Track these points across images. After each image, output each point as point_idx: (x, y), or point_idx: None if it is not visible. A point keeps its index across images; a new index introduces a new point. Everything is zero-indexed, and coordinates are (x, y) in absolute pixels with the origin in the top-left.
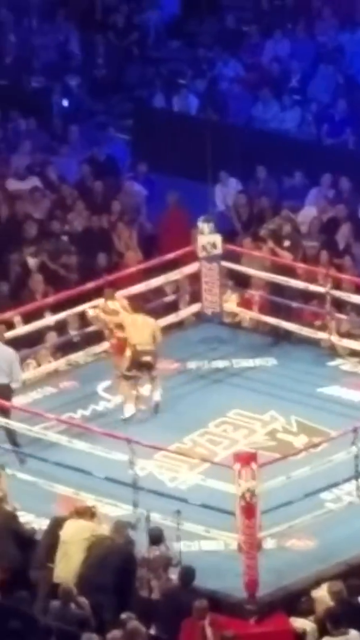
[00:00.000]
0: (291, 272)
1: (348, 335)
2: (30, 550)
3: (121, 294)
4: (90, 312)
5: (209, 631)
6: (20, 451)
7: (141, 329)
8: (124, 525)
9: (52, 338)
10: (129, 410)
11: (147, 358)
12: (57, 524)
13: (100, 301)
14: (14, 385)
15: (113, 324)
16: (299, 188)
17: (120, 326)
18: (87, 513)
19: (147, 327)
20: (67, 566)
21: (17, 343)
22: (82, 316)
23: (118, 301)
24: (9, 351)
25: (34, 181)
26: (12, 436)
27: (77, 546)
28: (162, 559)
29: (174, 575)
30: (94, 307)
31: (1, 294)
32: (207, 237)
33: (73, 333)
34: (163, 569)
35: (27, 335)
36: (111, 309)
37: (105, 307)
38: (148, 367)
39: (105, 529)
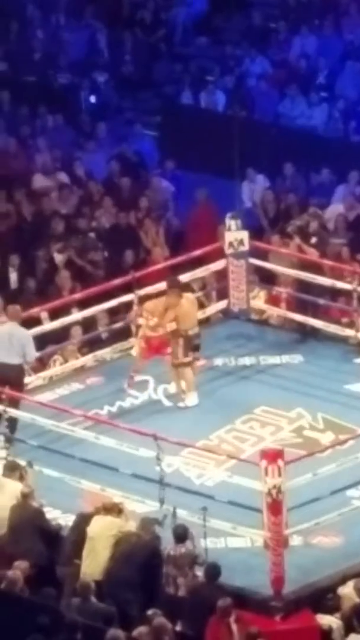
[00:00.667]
0: (318, 269)
1: None
2: (56, 547)
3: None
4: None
5: (235, 628)
6: (16, 438)
7: (189, 312)
8: (151, 521)
9: (78, 334)
10: (193, 399)
11: (198, 341)
12: (83, 520)
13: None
14: (26, 366)
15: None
16: (326, 185)
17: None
18: (114, 509)
19: (193, 307)
20: (93, 562)
21: (44, 339)
22: (110, 312)
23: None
24: (23, 332)
25: (62, 177)
26: (13, 424)
27: (104, 542)
28: (187, 556)
29: (199, 572)
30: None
31: (28, 291)
32: (234, 234)
33: (101, 329)
34: (189, 566)
35: (54, 331)
36: (159, 311)
37: (147, 318)
38: (198, 349)
39: (132, 526)
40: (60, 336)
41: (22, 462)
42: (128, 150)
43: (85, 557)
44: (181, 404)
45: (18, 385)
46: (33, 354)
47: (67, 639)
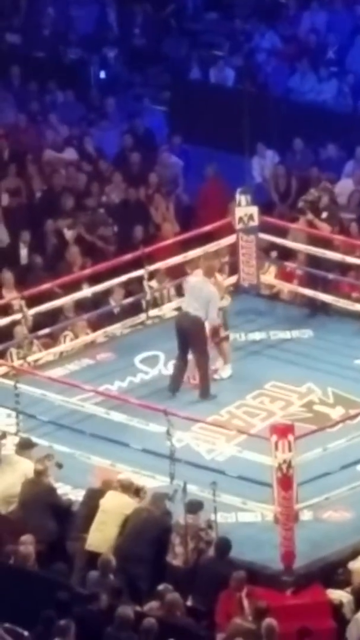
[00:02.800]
0: (328, 244)
1: None
2: (67, 522)
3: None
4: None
5: (245, 602)
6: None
7: (224, 288)
8: (162, 497)
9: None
10: (228, 371)
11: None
12: (93, 495)
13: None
14: (207, 325)
15: None
16: (335, 160)
17: None
18: (131, 489)
19: (224, 283)
20: (101, 535)
21: (54, 315)
22: (122, 287)
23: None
24: (211, 289)
25: (71, 153)
26: None
27: (117, 519)
28: (193, 527)
29: (202, 544)
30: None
31: (38, 266)
32: (244, 209)
33: (113, 304)
34: (191, 537)
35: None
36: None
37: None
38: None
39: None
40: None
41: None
42: (138, 126)
43: (93, 529)
44: (216, 376)
45: (196, 337)
46: (213, 315)
47: (83, 612)
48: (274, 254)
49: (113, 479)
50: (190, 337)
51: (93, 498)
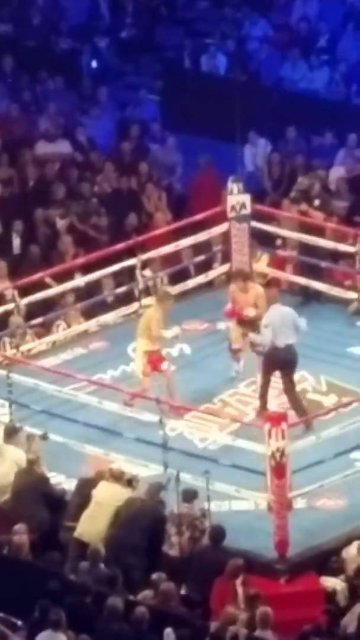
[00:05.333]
0: (321, 232)
1: None
2: (60, 512)
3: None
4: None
5: (240, 591)
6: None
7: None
8: (156, 487)
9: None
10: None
11: None
12: (86, 484)
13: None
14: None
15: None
16: (327, 148)
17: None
18: (122, 478)
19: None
20: (92, 526)
21: (46, 304)
22: (114, 277)
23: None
24: (288, 309)
25: (63, 143)
26: None
27: (108, 510)
28: (188, 516)
29: (197, 533)
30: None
31: (32, 256)
32: (237, 197)
33: (106, 293)
34: (187, 526)
35: (57, 296)
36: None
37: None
38: None
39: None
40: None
41: (33, 430)
42: (130, 115)
43: (84, 519)
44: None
45: (296, 366)
46: (303, 323)
47: (76, 602)
48: (279, 241)
49: (106, 469)
50: (294, 366)
51: (85, 487)
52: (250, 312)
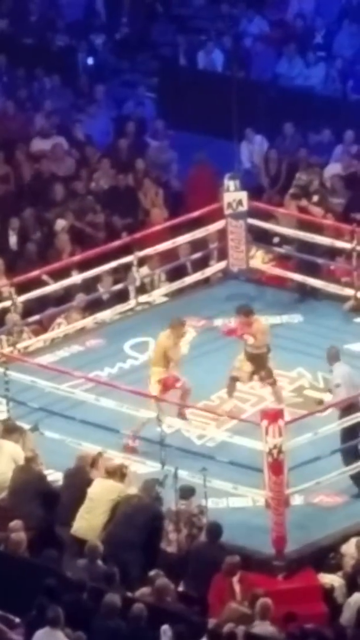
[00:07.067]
0: (318, 229)
1: None
2: (56, 509)
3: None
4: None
5: (237, 588)
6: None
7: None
8: (153, 483)
9: (79, 296)
10: None
11: None
12: (69, 475)
13: None
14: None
15: None
16: (324, 144)
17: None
18: (116, 473)
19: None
20: (88, 523)
21: (45, 302)
22: (112, 274)
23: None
24: (349, 368)
25: (60, 140)
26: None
27: (104, 506)
28: (186, 513)
29: (195, 530)
30: None
31: (28, 253)
32: (233, 195)
33: (102, 290)
34: (184, 523)
35: (54, 294)
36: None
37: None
38: None
39: (133, 491)
40: (60, 299)
41: (27, 426)
42: (126, 112)
43: (80, 516)
44: None
45: None
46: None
47: (73, 599)
48: (276, 239)
49: (89, 454)
50: None
51: (70, 477)
52: (249, 340)
